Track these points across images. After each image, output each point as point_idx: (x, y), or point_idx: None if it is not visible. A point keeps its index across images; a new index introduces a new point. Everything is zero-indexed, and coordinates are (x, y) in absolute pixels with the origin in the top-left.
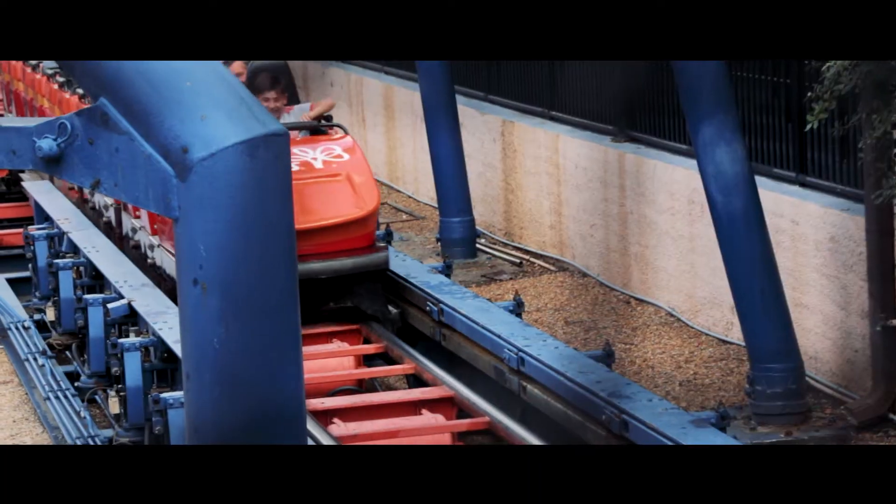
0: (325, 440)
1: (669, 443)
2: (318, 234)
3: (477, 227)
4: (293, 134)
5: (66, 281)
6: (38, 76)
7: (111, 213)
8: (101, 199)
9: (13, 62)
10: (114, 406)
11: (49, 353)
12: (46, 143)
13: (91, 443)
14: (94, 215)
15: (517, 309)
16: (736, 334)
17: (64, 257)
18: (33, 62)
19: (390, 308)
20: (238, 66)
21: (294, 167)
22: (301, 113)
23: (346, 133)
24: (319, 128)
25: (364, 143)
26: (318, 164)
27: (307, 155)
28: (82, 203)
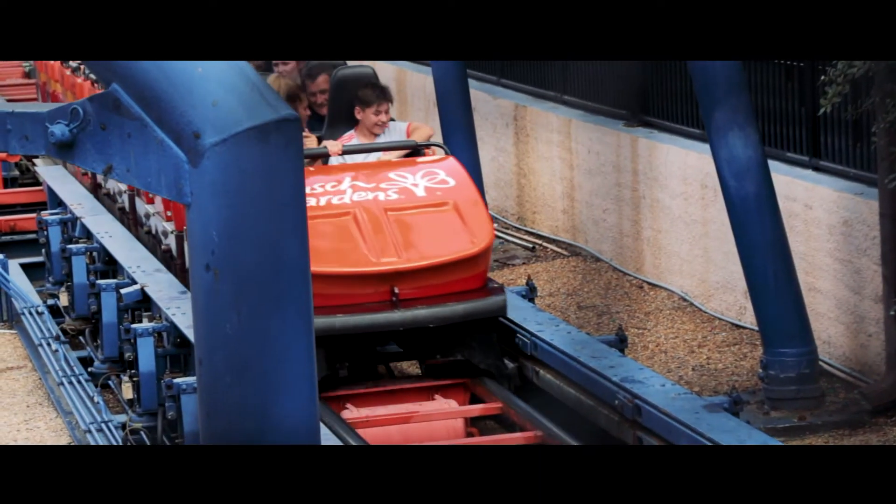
0: (338, 425)
1: (682, 427)
2: (423, 274)
3: (489, 212)
4: (388, 155)
5: (79, 266)
6: (80, 80)
7: (125, 200)
8: (114, 185)
9: (50, 63)
10: (127, 391)
11: (62, 338)
12: (59, 129)
13: (105, 428)
14: (109, 202)
15: (530, 294)
16: (749, 319)
17: (77, 242)
18: (73, 64)
19: (506, 361)
20: (323, 81)
21: (392, 195)
22: (396, 133)
23: (448, 153)
24: (417, 148)
25: None
26: (420, 192)
27: (406, 181)
28: (95, 188)
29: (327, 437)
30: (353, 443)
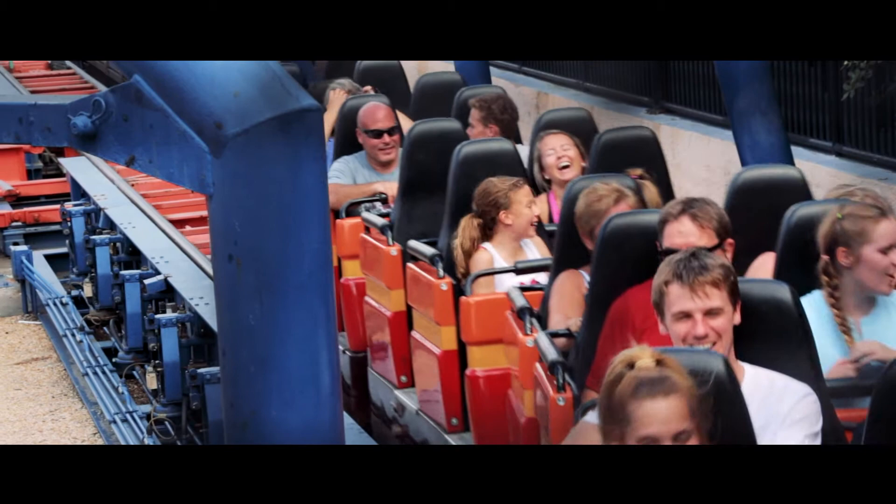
0: None
1: None
2: None
3: None
4: None
5: (103, 257)
6: None
7: None
8: None
9: None
10: (151, 381)
11: (87, 328)
12: (81, 120)
13: (130, 418)
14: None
15: None
16: None
17: (101, 233)
18: None
19: None
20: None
21: None
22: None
23: None
24: None
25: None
26: None
27: None
28: None
29: (351, 428)
30: None
